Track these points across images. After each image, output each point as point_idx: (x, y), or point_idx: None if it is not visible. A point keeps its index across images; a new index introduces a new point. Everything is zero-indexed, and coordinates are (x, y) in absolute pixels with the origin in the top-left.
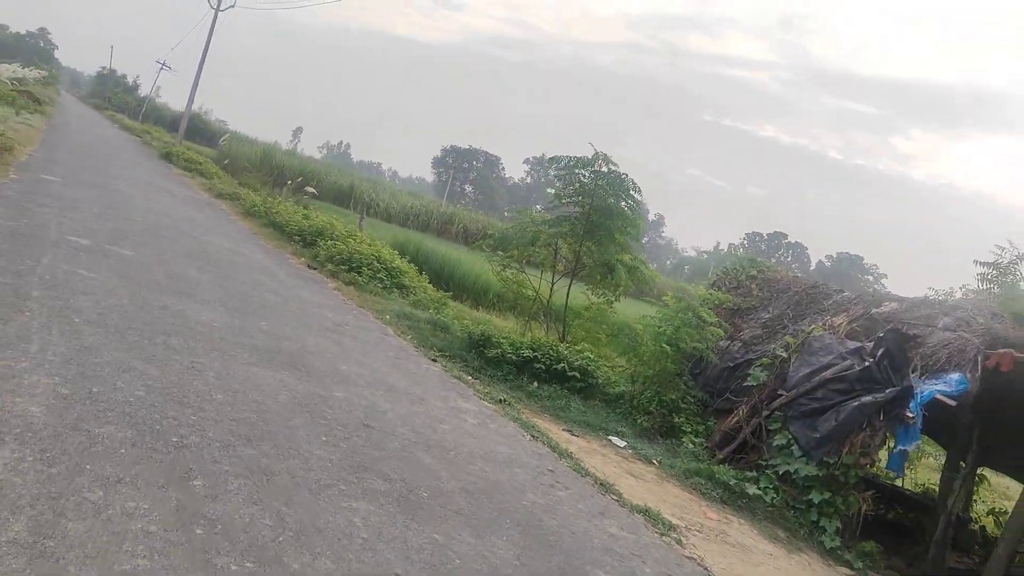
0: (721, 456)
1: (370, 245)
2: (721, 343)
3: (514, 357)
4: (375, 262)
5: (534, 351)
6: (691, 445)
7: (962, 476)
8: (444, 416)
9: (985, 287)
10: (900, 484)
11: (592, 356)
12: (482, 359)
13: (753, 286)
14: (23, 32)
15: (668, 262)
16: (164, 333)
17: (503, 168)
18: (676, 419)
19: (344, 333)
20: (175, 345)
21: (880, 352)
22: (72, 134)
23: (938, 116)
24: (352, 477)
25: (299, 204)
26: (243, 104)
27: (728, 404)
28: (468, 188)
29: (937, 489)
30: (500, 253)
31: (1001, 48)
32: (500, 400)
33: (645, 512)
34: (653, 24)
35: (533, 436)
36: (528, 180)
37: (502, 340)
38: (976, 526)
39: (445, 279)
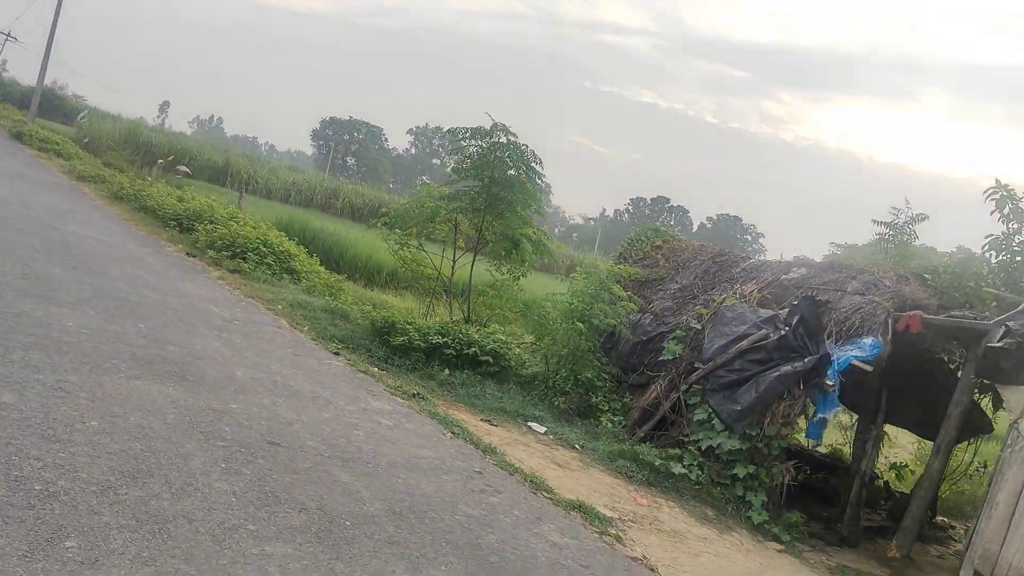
0: (641, 434)
1: (255, 228)
2: (632, 316)
3: (422, 344)
4: (261, 246)
5: (443, 336)
6: (610, 424)
7: (873, 438)
8: (356, 420)
9: (883, 247)
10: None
11: (504, 338)
12: (388, 348)
13: (659, 256)
14: None
15: (556, 230)
16: (22, 347)
17: (386, 139)
18: (593, 398)
19: (234, 331)
20: (36, 362)
21: (795, 320)
22: None
23: (803, 80)
24: (262, 513)
25: (172, 185)
26: (104, 78)
27: (643, 379)
28: (350, 160)
29: (846, 450)
30: (398, 231)
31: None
32: (413, 394)
33: (580, 508)
34: None
35: (454, 433)
36: (413, 151)
37: (408, 326)
38: (880, 482)
39: (335, 259)
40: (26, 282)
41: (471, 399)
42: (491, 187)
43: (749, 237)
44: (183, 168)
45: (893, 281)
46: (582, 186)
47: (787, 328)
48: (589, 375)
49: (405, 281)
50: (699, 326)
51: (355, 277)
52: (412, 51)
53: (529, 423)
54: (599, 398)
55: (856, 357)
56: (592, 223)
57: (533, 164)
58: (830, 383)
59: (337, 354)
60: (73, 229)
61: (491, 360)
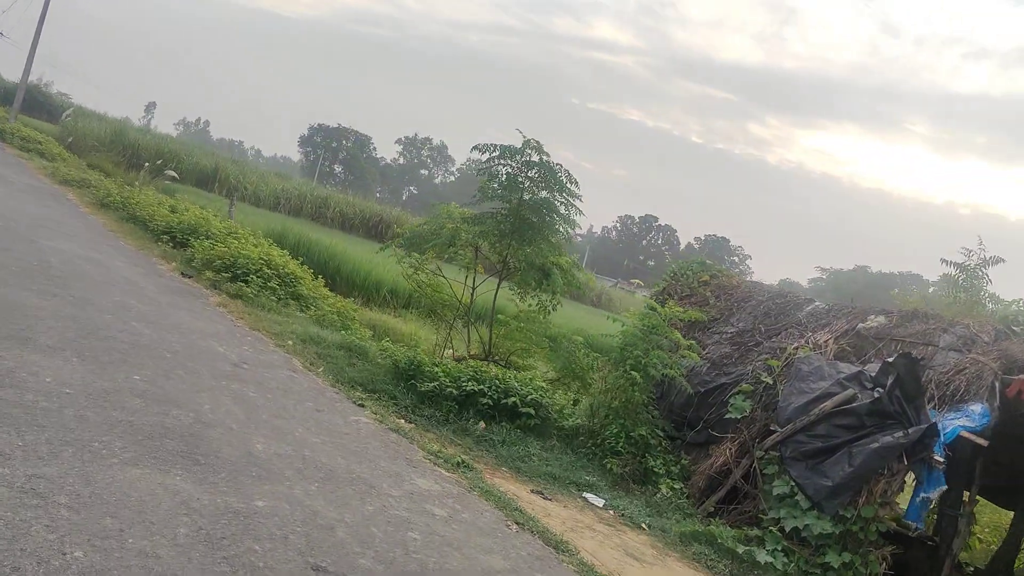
0: (710, 507)
1: (256, 246)
2: (684, 362)
3: (454, 391)
4: (265, 267)
5: (478, 383)
6: (669, 492)
7: (967, 515)
8: (407, 515)
9: (954, 294)
10: None
11: (544, 385)
12: (414, 394)
13: (708, 293)
14: None
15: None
16: None
17: (374, 148)
18: (650, 461)
19: (245, 379)
20: (2, 444)
21: (890, 381)
22: None
23: (789, 104)
24: None
25: (159, 190)
26: (89, 77)
27: (703, 437)
28: (338, 168)
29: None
30: (415, 255)
31: (844, 42)
32: (457, 463)
33: None
34: (523, 5)
35: (518, 524)
36: (401, 160)
37: (436, 369)
38: None
39: (331, 274)
40: None
41: (515, 461)
42: (519, 210)
43: (736, 259)
44: (171, 173)
45: (991, 336)
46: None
47: (879, 389)
48: (643, 432)
49: (403, 300)
50: (770, 380)
51: (352, 294)
52: (401, 60)
53: (584, 494)
54: (656, 461)
55: (965, 428)
56: (579, 239)
57: (568, 185)
58: (938, 459)
59: (362, 405)
60: (53, 244)
61: (532, 412)
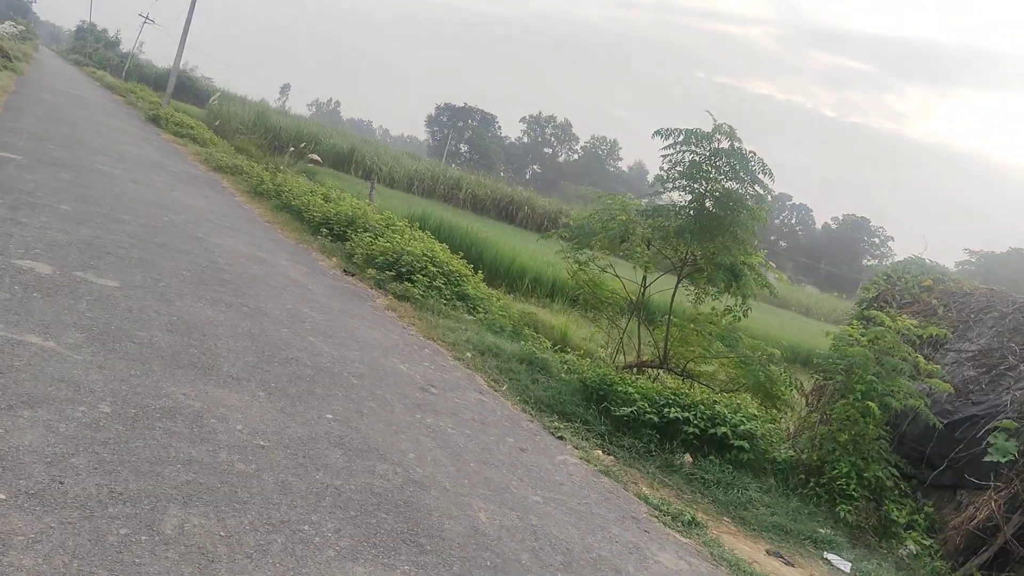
0: (971, 572)
1: (420, 241)
2: (919, 385)
3: (655, 418)
4: (429, 265)
5: (682, 409)
6: (915, 547)
7: None
8: None
9: None
10: None
11: (756, 412)
12: (607, 418)
13: (934, 302)
14: None
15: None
16: (178, 498)
17: (499, 127)
18: (893, 511)
19: (438, 408)
20: (196, 532)
21: None
22: (45, 95)
23: (931, 73)
24: None
25: (300, 172)
26: (227, 60)
27: (949, 479)
28: (463, 147)
29: None
30: (586, 251)
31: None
32: (687, 522)
33: None
34: None
35: None
36: (525, 139)
37: (629, 389)
38: None
39: (473, 260)
40: (174, 337)
41: (736, 509)
42: (704, 203)
43: (877, 240)
44: (314, 156)
45: None
46: None
47: None
48: (879, 473)
49: (547, 289)
50: None
51: (496, 283)
52: (523, 39)
53: (826, 554)
54: (898, 510)
55: None
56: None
57: (760, 176)
58: None
59: (561, 438)
60: (219, 241)
61: (746, 446)
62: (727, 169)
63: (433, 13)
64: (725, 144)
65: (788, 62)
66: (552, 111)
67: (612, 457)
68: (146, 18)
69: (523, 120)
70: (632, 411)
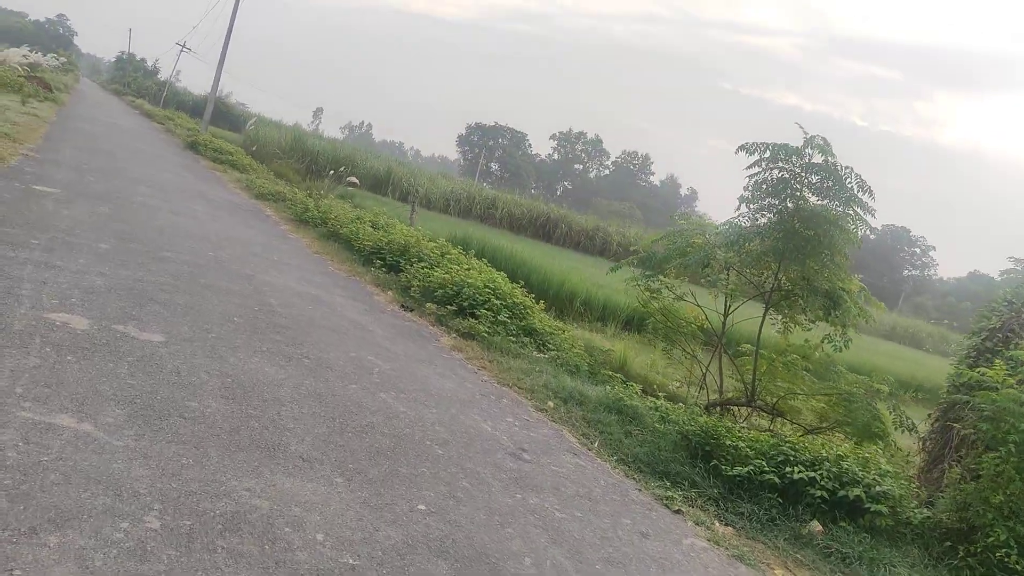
0: None
1: (479, 272)
2: None
3: (775, 479)
4: (492, 298)
5: (807, 468)
6: None
7: None
8: None
9: None
10: None
11: (889, 468)
12: (717, 479)
13: None
14: (42, 19)
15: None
16: None
17: (529, 144)
18: None
19: (539, 484)
20: None
21: None
22: (85, 124)
23: (961, 79)
24: None
25: (344, 197)
26: (260, 85)
27: None
28: (494, 166)
29: None
30: (661, 278)
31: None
32: None
33: None
34: None
35: None
36: (555, 156)
37: (739, 443)
38: None
39: (519, 282)
40: (231, 407)
41: None
42: (793, 223)
43: (918, 250)
44: (352, 179)
45: None
46: (725, 192)
47: None
48: None
49: (598, 312)
50: None
51: (545, 306)
52: (550, 57)
53: None
54: None
55: None
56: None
57: (859, 194)
58: None
59: (678, 511)
60: (268, 278)
61: (884, 510)
62: (819, 186)
63: (463, 36)
64: (818, 159)
65: (814, 72)
66: (582, 127)
67: (731, 528)
68: (183, 47)
69: (553, 137)
70: (748, 472)
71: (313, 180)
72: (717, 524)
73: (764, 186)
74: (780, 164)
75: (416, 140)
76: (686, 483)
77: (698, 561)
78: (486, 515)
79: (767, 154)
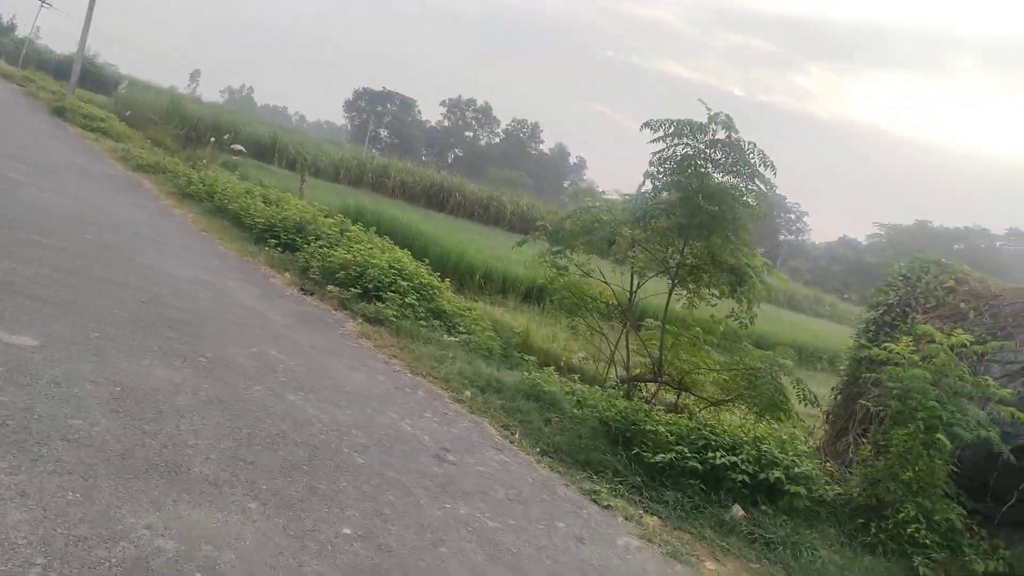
0: None
1: (383, 251)
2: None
3: (698, 465)
4: (398, 279)
5: (727, 452)
6: None
7: None
8: None
9: None
10: None
11: (805, 448)
12: (640, 465)
13: (962, 305)
14: None
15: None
16: None
17: (419, 111)
18: (973, 560)
19: (466, 488)
20: None
21: None
22: None
23: (835, 52)
24: None
25: (225, 166)
26: (129, 45)
27: (1022, 515)
28: (383, 132)
29: None
30: (568, 253)
31: None
32: None
33: None
34: None
35: None
36: (446, 123)
37: (662, 430)
38: None
39: (418, 256)
40: (122, 422)
41: (808, 575)
42: (698, 200)
43: (793, 216)
44: (238, 147)
45: None
46: (609, 159)
47: None
48: (950, 515)
49: (498, 285)
50: None
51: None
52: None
53: None
54: (979, 559)
55: None
56: (627, 197)
57: (761, 169)
58: None
59: (608, 506)
60: (155, 263)
61: (804, 491)
62: (723, 162)
63: None
64: (722, 135)
65: (698, 42)
66: (472, 95)
67: (657, 518)
68: (43, 1)
69: (443, 104)
70: (670, 459)
71: (194, 148)
72: (645, 516)
73: (669, 162)
74: (685, 140)
75: (301, 105)
76: (609, 472)
77: (635, 563)
78: (417, 533)
79: (671, 130)
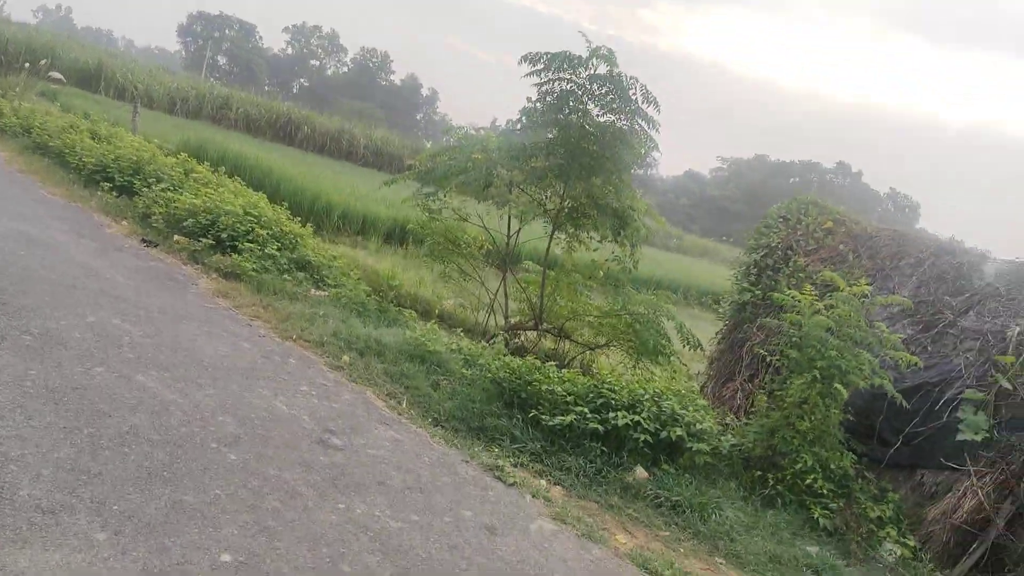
0: (961, 574)
1: (236, 195)
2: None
3: (598, 427)
4: (256, 227)
5: (629, 411)
6: (897, 549)
7: None
8: None
9: None
10: None
11: (703, 401)
12: (538, 430)
13: (842, 247)
14: None
15: (445, 140)
16: None
17: (260, 37)
18: (866, 505)
19: (357, 477)
20: None
21: None
22: None
23: None
24: None
25: (46, 96)
26: None
27: (907, 458)
28: (222, 60)
29: None
30: (439, 195)
31: None
32: None
33: None
34: None
35: None
36: (289, 51)
37: (557, 389)
38: None
39: (271, 197)
40: None
41: (723, 540)
42: (578, 140)
43: (642, 151)
44: (56, 75)
45: None
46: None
47: None
48: (844, 464)
49: (357, 226)
50: (1008, 383)
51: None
52: None
53: None
54: (871, 505)
55: None
56: (482, 131)
57: (643, 106)
58: None
59: (513, 484)
60: None
61: (706, 448)
62: (604, 99)
63: None
64: (603, 70)
65: None
66: (318, 21)
67: (561, 488)
68: None
69: (286, 30)
70: (570, 421)
71: (5, 75)
72: (552, 489)
73: (547, 98)
74: (564, 75)
75: (128, 28)
76: (507, 439)
77: (554, 554)
78: (311, 549)
79: (550, 64)
